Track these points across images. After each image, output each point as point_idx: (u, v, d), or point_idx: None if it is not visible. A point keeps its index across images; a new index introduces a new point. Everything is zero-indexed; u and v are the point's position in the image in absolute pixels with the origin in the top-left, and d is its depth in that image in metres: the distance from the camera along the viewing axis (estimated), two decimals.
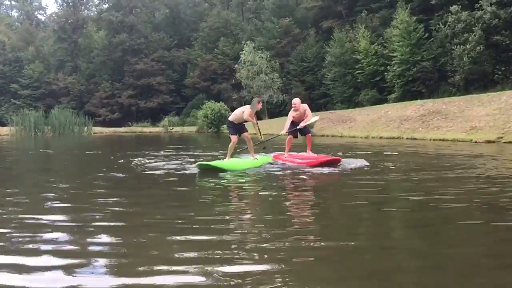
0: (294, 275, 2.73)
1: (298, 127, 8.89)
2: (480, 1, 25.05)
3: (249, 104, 8.60)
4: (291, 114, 9.00)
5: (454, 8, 26.00)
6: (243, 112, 8.23)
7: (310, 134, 9.19)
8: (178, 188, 6.32)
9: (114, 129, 42.75)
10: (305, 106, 9.10)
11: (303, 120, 8.92)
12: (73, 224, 4.20)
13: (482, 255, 3.11)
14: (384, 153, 12.07)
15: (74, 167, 10.38)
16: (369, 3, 36.37)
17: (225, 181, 6.96)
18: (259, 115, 8.93)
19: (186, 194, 5.93)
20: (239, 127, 8.39)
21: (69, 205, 5.15)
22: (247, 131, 8.45)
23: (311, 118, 9.08)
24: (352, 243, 3.37)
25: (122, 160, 10.41)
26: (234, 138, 8.25)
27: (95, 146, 20.43)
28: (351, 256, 3.10)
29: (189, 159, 10.10)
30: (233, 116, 8.40)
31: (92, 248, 3.32)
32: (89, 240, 3.52)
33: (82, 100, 53.35)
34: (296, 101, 9.01)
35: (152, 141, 23.94)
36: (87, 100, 52.92)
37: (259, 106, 8.33)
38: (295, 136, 9.12)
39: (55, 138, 31.41)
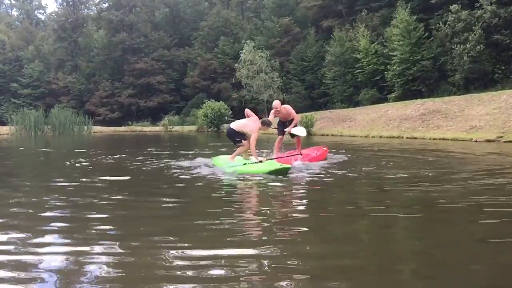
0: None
1: (285, 130, 8.72)
2: (480, 0, 25.01)
3: (250, 113, 8.20)
4: (272, 116, 8.68)
5: (454, 7, 25.97)
6: (251, 131, 7.73)
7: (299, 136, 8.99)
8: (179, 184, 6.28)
9: (114, 128, 42.77)
10: (288, 107, 8.88)
11: (290, 119, 8.72)
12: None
13: None
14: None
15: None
16: (369, 2, 36.33)
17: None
18: (259, 115, 8.61)
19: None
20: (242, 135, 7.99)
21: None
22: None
23: (301, 129, 8.86)
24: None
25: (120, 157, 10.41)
26: (245, 143, 7.88)
27: (96, 145, 20.43)
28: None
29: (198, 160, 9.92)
30: (240, 127, 7.93)
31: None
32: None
33: (82, 99, 53.32)
34: (276, 104, 8.65)
35: (152, 140, 23.93)
36: (87, 99, 52.89)
37: (267, 129, 8.06)
38: (292, 136, 8.99)
39: (55, 137, 31.41)
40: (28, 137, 31.16)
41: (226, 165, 7.82)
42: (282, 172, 7.07)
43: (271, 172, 7.08)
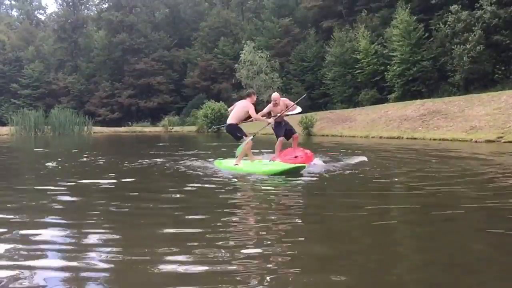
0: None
1: (278, 116, 8.28)
2: (480, 1, 25.02)
3: (244, 98, 8.14)
4: (269, 108, 8.43)
5: (454, 7, 25.99)
6: (246, 112, 7.77)
7: (296, 134, 8.83)
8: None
9: (114, 129, 42.81)
10: (286, 99, 8.62)
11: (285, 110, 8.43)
12: None
13: None
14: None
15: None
16: (369, 3, 36.35)
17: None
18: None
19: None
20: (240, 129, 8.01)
21: None
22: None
23: (296, 108, 8.57)
24: None
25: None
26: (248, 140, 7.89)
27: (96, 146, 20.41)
28: None
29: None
30: (236, 115, 7.91)
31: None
32: None
33: (82, 99, 53.38)
34: (275, 96, 8.42)
35: (154, 140, 23.93)
36: (87, 100, 52.95)
37: (254, 97, 7.91)
38: (288, 138, 8.66)
39: (55, 137, 31.41)
40: (28, 138, 31.16)
41: (236, 166, 7.76)
42: (296, 171, 7.07)
43: (284, 172, 7.01)
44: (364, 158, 9.01)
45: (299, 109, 8.86)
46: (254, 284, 2.59)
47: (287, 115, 8.55)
